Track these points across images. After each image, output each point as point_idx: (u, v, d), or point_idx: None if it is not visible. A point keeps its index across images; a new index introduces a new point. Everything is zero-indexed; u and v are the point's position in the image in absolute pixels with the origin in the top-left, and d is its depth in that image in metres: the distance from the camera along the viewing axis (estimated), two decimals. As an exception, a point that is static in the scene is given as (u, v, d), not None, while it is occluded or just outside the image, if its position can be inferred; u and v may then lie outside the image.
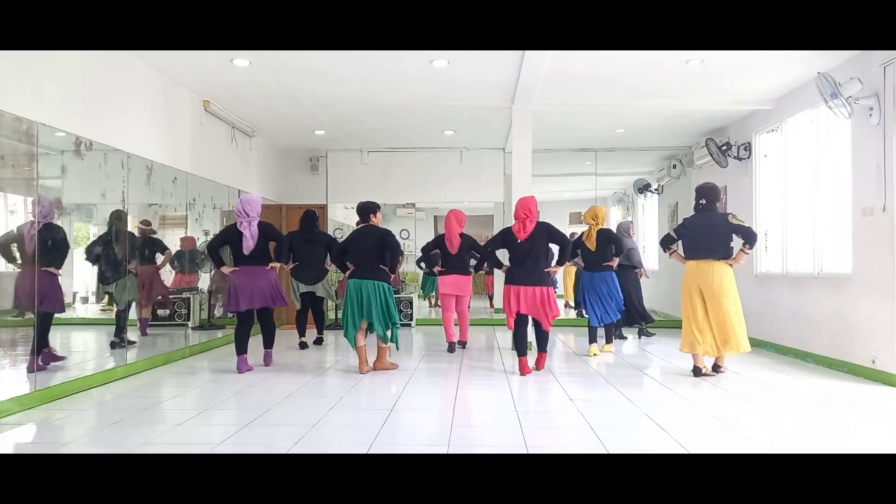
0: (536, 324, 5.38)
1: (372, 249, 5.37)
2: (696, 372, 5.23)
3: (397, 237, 5.75)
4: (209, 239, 6.37)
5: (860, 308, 5.40)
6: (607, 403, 4.34)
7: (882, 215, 5.11)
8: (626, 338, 7.68)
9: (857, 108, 5.26)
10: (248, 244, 5.37)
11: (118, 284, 5.72)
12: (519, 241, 5.26)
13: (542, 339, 5.44)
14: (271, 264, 5.59)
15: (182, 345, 6.58)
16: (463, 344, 6.90)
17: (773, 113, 7.01)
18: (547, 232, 5.29)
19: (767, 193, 7.33)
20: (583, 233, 6.53)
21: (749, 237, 5.11)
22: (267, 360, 5.81)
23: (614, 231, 6.98)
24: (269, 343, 5.86)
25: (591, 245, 6.37)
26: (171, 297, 6.97)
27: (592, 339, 6.44)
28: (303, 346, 7.02)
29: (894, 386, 4.90)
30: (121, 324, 5.79)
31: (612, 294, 6.41)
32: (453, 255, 6.60)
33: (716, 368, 5.33)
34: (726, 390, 4.76)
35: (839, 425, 3.81)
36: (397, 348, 5.70)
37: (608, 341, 6.70)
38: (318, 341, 7.40)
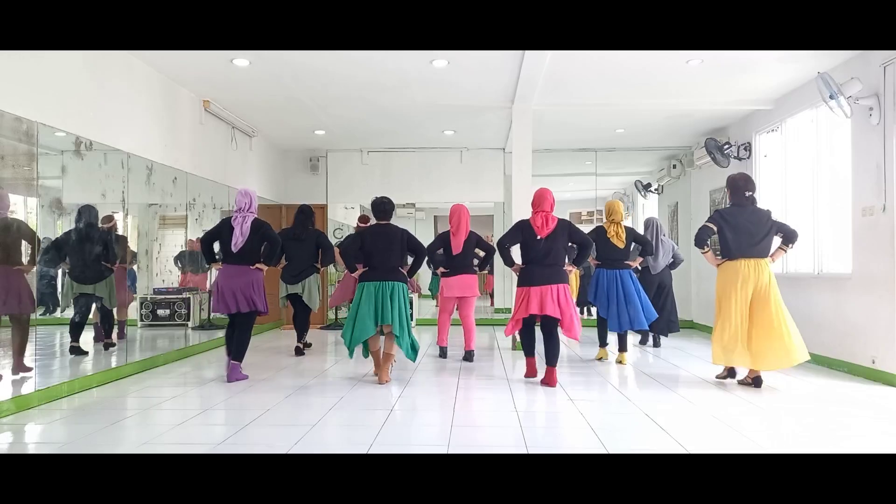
0: (546, 334, 4.95)
1: (393, 250, 5.05)
2: (732, 373, 5.03)
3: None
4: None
5: (860, 308, 5.40)
6: (607, 403, 4.34)
7: (882, 215, 5.11)
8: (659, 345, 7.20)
9: (857, 108, 5.26)
10: (237, 241, 5.00)
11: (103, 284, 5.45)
12: (539, 237, 4.86)
13: (554, 349, 4.93)
14: (257, 265, 5.15)
15: (182, 345, 6.58)
16: (469, 355, 6.15)
17: (773, 113, 7.02)
18: (567, 231, 4.94)
19: (767, 194, 7.32)
20: (601, 227, 6.06)
21: (791, 236, 4.80)
22: (230, 375, 5.08)
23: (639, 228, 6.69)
24: (236, 353, 5.12)
25: (621, 242, 5.94)
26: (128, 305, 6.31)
27: (623, 347, 5.99)
28: (306, 346, 6.79)
29: (894, 386, 4.90)
30: (108, 324, 5.61)
31: (641, 294, 5.94)
32: (459, 253, 6.11)
33: (757, 381, 4.79)
34: (726, 390, 4.75)
35: (839, 425, 3.80)
36: (413, 360, 5.21)
37: (623, 349, 6.02)
38: (298, 351, 6.62)
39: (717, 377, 5.14)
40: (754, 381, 4.83)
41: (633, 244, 6.15)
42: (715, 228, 4.86)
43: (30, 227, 4.53)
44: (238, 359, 5.15)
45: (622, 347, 6.01)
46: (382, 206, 5.23)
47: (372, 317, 4.92)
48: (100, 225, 5.47)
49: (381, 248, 5.06)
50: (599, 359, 6.19)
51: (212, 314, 7.60)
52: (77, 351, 5.35)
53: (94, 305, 5.53)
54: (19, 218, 4.53)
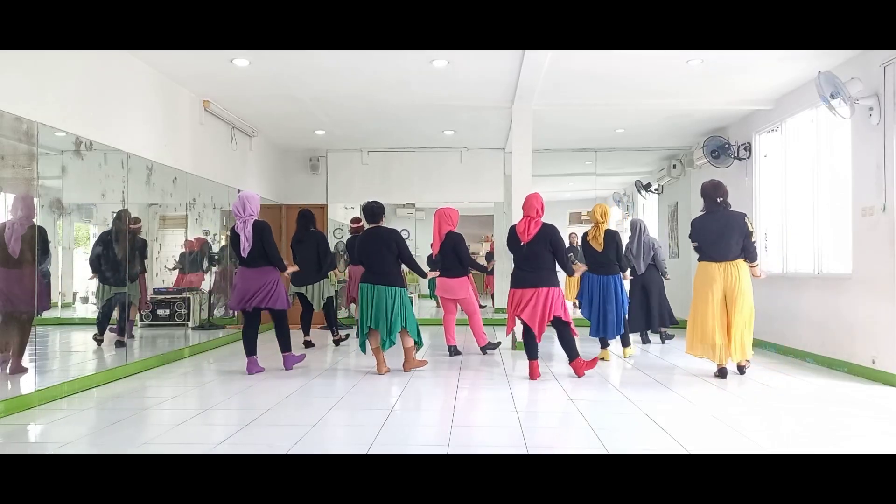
0: (558, 330, 5.12)
1: (383, 252, 5.27)
2: (722, 373, 5.12)
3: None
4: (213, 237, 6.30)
5: (860, 308, 5.40)
6: (607, 403, 4.34)
7: (882, 215, 5.11)
8: (649, 342, 7.33)
9: (857, 108, 5.26)
10: (245, 246, 5.18)
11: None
12: (521, 243, 5.09)
13: (564, 345, 5.12)
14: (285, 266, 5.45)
15: (182, 345, 6.58)
16: (486, 348, 6.50)
17: (773, 113, 7.01)
18: (550, 236, 5.04)
19: (767, 193, 7.33)
20: (586, 232, 6.12)
21: (751, 256, 5.06)
22: (286, 363, 5.54)
23: (628, 231, 6.75)
24: (283, 346, 5.55)
25: (598, 245, 5.92)
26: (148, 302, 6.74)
27: (605, 345, 6.18)
28: (307, 344, 7.00)
29: (894, 386, 4.90)
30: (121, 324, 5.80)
31: (617, 302, 6.00)
32: (438, 255, 6.31)
33: (740, 369, 5.23)
34: (726, 390, 4.76)
35: (839, 425, 3.81)
36: (419, 345, 5.50)
37: (603, 346, 6.20)
38: (308, 344, 7.05)
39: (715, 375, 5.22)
40: (719, 372, 5.13)
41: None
42: (695, 244, 5.25)
43: (33, 227, 4.53)
44: (286, 349, 5.55)
45: (602, 345, 6.24)
46: (372, 210, 5.51)
47: (366, 318, 5.27)
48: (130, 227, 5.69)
49: (372, 251, 5.34)
50: (601, 359, 6.16)
51: (220, 313, 7.73)
52: (101, 342, 5.64)
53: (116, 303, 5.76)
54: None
